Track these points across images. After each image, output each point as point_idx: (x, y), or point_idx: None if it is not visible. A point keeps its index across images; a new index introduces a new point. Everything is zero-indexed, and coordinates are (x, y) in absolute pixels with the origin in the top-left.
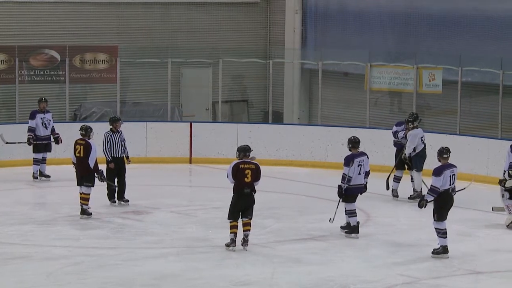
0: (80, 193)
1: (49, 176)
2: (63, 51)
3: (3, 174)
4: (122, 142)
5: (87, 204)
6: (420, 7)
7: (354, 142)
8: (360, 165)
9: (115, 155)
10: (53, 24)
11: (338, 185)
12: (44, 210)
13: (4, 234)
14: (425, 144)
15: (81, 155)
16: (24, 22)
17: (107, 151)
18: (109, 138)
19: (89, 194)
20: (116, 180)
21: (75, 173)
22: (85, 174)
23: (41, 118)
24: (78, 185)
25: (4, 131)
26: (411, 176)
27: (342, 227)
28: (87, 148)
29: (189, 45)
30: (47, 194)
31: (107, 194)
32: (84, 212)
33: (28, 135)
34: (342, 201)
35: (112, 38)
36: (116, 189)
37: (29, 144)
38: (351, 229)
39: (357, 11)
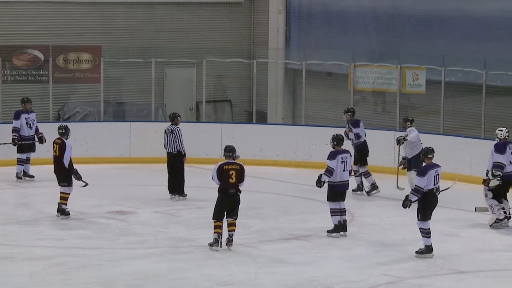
0: (61, 193)
1: (33, 176)
2: (47, 51)
3: None
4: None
5: (66, 204)
6: (403, 7)
7: (338, 139)
8: (344, 161)
9: (170, 151)
10: (36, 23)
11: (319, 175)
12: (27, 210)
13: None
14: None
15: (57, 154)
16: (7, 21)
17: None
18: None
19: (68, 193)
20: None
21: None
22: (61, 173)
23: (25, 118)
24: (58, 184)
25: None
26: (408, 176)
27: (328, 231)
28: (62, 147)
29: (172, 45)
30: (30, 194)
31: (168, 186)
32: (63, 212)
33: (13, 136)
34: (327, 199)
35: (95, 38)
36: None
37: (14, 145)
38: (333, 229)
39: (341, 11)
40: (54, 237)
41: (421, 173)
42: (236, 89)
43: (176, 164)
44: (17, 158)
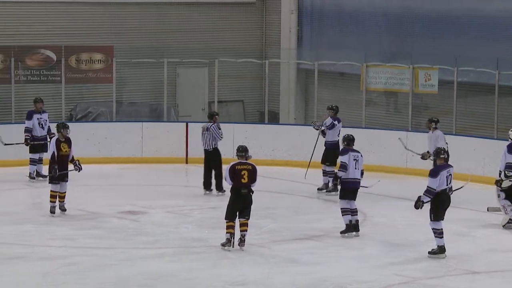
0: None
1: (46, 176)
2: (59, 51)
3: None
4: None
5: (54, 202)
6: (415, 7)
7: (349, 140)
8: (356, 160)
9: (206, 148)
10: (49, 24)
11: (335, 174)
12: (40, 210)
13: (0, 234)
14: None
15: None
16: (20, 22)
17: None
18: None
19: (54, 191)
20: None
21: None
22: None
23: (37, 119)
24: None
25: (1, 131)
26: None
27: (342, 232)
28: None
29: (185, 45)
30: (43, 194)
31: (203, 183)
32: (50, 210)
33: (25, 136)
34: (339, 198)
35: (108, 38)
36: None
37: (27, 145)
38: (345, 229)
39: (353, 11)
40: (67, 237)
41: (433, 174)
42: (248, 89)
43: (213, 161)
44: (30, 158)
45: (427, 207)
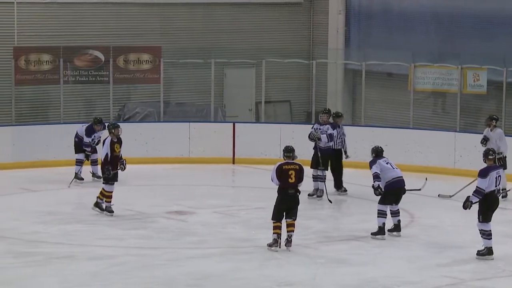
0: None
1: (101, 177)
2: (107, 52)
3: (46, 174)
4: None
5: (109, 202)
6: (464, 7)
7: (377, 151)
8: (388, 162)
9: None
10: (97, 24)
11: (372, 185)
12: (88, 210)
13: (48, 234)
14: None
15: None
16: (69, 23)
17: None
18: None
19: (105, 191)
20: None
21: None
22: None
23: (94, 135)
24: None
25: (49, 131)
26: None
27: (389, 230)
28: (102, 145)
29: (232, 46)
30: (90, 194)
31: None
32: (97, 205)
33: (86, 151)
34: (378, 202)
35: (155, 38)
36: None
37: (87, 160)
38: (377, 231)
39: (401, 11)
40: (115, 236)
41: (483, 174)
42: (295, 89)
43: (335, 162)
44: (76, 159)
45: (475, 208)
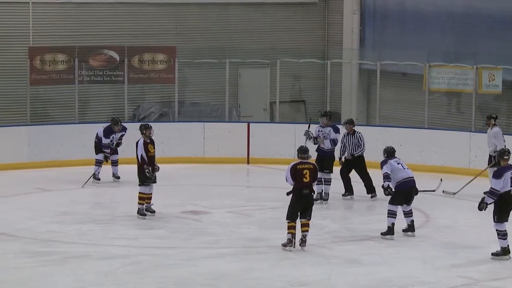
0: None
1: (119, 178)
2: (122, 52)
3: (61, 174)
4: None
5: (142, 204)
6: (479, 6)
7: (389, 152)
8: (399, 163)
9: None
10: (112, 24)
11: (382, 186)
12: (103, 210)
13: (63, 233)
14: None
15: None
16: (84, 23)
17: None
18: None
19: (142, 193)
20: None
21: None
22: (138, 173)
23: (112, 136)
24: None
25: (64, 131)
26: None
27: (403, 230)
28: (135, 147)
29: (247, 46)
30: (106, 194)
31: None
32: (138, 212)
33: (105, 153)
34: (388, 202)
35: (170, 38)
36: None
37: (106, 161)
38: (386, 231)
39: (416, 11)
40: (129, 236)
41: (497, 175)
42: (310, 89)
43: (360, 166)
44: (96, 159)
45: (490, 208)
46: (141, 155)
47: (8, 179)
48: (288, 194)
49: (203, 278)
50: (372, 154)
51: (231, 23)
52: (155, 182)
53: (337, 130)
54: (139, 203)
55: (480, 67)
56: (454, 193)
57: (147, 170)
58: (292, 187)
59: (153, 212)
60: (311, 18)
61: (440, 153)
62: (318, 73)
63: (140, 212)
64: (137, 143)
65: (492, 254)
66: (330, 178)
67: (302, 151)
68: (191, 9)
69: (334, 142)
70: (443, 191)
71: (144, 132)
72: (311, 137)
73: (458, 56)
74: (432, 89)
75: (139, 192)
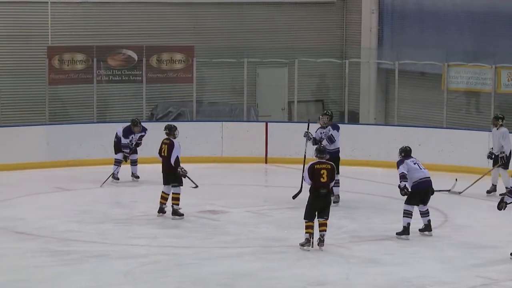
0: (172, 194)
1: (139, 177)
2: (140, 51)
3: (80, 173)
4: None
5: (178, 205)
6: (498, 6)
7: (406, 151)
8: (416, 163)
9: None
10: (130, 24)
11: (398, 186)
12: (121, 209)
13: (82, 232)
14: None
15: (165, 154)
16: (102, 22)
17: None
18: None
19: (179, 193)
20: None
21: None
22: (170, 174)
23: (131, 137)
24: (164, 184)
25: (83, 131)
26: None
27: (420, 230)
28: (170, 147)
29: (265, 45)
30: (125, 193)
31: None
32: (176, 213)
33: (125, 153)
34: (404, 202)
35: (188, 38)
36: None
37: (125, 161)
38: (401, 231)
39: (434, 10)
40: (148, 235)
41: None
42: (328, 89)
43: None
44: (115, 159)
45: (509, 208)
46: (177, 156)
47: (27, 178)
48: (294, 197)
49: (221, 278)
50: (391, 154)
51: (249, 22)
52: (182, 185)
53: (336, 128)
54: (175, 204)
55: (499, 67)
56: (460, 193)
57: (182, 171)
58: (299, 189)
59: (165, 212)
60: (329, 17)
61: (458, 153)
62: (336, 73)
63: (177, 213)
64: (173, 144)
65: (511, 254)
66: (338, 180)
67: (320, 151)
68: (209, 9)
69: (330, 139)
70: (448, 191)
71: (174, 133)
72: (310, 137)
73: (476, 56)
74: (450, 88)
75: (176, 193)
